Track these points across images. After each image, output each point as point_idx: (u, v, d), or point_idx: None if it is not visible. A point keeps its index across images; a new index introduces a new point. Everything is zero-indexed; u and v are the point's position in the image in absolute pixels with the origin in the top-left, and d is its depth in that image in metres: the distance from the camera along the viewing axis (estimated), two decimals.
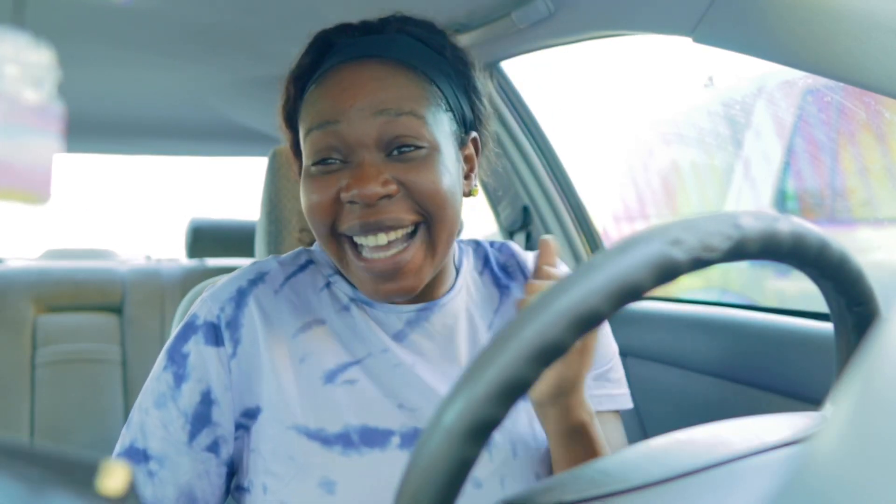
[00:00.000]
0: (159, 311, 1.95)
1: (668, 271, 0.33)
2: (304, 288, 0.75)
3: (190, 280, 1.97)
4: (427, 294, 0.74)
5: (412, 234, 0.67)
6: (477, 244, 0.84)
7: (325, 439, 0.66)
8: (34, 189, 0.38)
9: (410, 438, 0.67)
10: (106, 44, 1.28)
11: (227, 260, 2.11)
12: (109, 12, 1.12)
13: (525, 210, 1.58)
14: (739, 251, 0.35)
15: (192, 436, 0.67)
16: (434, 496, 0.31)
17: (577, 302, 0.31)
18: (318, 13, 1.12)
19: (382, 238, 0.65)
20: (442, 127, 0.68)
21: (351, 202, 0.65)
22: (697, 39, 0.84)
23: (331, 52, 0.71)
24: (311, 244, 0.86)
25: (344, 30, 0.72)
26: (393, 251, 0.65)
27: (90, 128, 1.96)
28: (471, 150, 0.75)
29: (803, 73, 1.02)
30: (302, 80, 0.72)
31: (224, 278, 0.75)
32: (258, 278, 0.74)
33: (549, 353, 0.31)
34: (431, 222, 0.66)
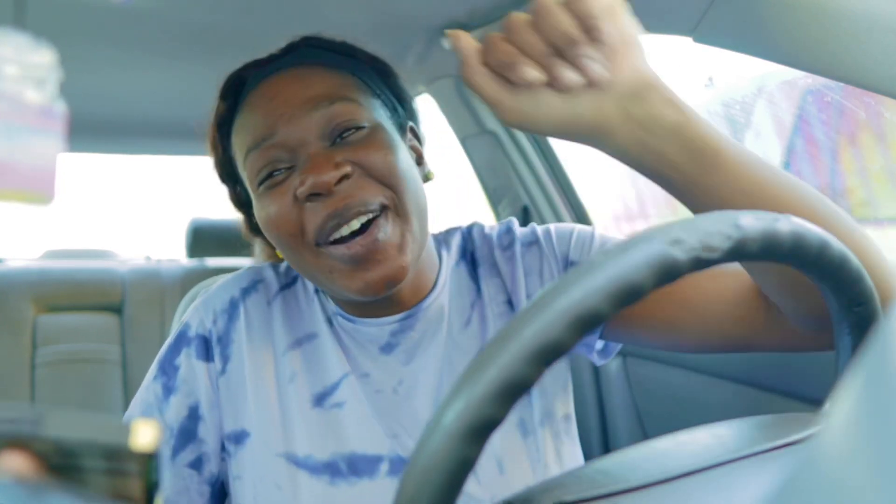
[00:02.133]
0: (159, 311, 1.95)
1: (669, 271, 0.33)
2: (297, 299, 0.73)
3: (190, 280, 1.97)
4: (410, 299, 0.71)
5: (381, 216, 0.63)
6: (454, 232, 0.80)
7: (312, 468, 0.64)
8: (39, 189, 0.38)
9: (397, 464, 0.65)
10: (105, 44, 1.28)
11: (227, 260, 2.11)
12: (108, 13, 1.12)
13: (525, 210, 1.58)
14: (740, 251, 0.35)
15: (175, 451, 0.66)
16: (433, 497, 0.31)
17: (577, 302, 0.31)
18: (319, 13, 1.12)
19: (355, 223, 0.62)
20: (377, 110, 0.68)
21: (311, 196, 0.61)
22: (697, 39, 0.84)
23: (243, 89, 0.70)
24: None
25: (253, 64, 0.71)
26: (367, 232, 0.62)
27: (90, 128, 1.97)
28: (413, 140, 0.74)
29: (803, 73, 1.02)
30: (225, 126, 0.71)
31: (219, 282, 0.74)
32: (252, 287, 0.72)
33: (549, 353, 0.31)
34: (398, 198, 0.64)
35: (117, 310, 1.95)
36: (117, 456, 0.32)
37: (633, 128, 0.48)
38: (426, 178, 0.73)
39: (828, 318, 0.53)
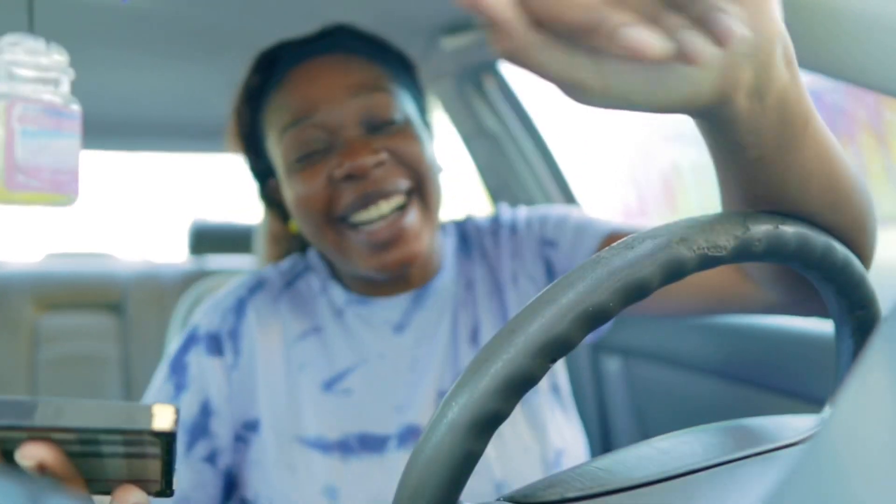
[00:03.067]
0: (159, 311, 1.95)
1: (676, 269, 0.33)
2: (301, 294, 0.75)
3: (190, 280, 1.97)
4: (419, 280, 0.74)
5: (407, 202, 0.68)
6: (453, 224, 0.84)
7: (324, 447, 0.66)
8: (62, 190, 0.38)
9: (406, 436, 0.67)
10: (106, 44, 1.28)
11: (228, 260, 2.11)
12: (109, 13, 1.12)
13: None
14: (746, 251, 0.35)
15: (189, 446, 0.67)
16: (437, 490, 0.31)
17: (584, 297, 0.31)
18: (319, 13, 1.12)
19: (384, 206, 0.66)
20: (408, 103, 0.71)
21: (347, 177, 0.65)
22: None
23: (277, 66, 0.72)
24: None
25: (285, 45, 0.74)
26: (392, 217, 0.66)
27: (90, 127, 1.96)
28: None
29: (803, 72, 1.02)
30: (254, 100, 0.74)
31: (225, 286, 0.77)
32: (257, 286, 0.74)
33: (556, 348, 0.31)
34: (423, 186, 0.68)
35: (117, 310, 1.95)
36: (137, 440, 0.32)
37: (750, 96, 0.34)
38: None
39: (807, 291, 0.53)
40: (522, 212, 0.81)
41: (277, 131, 0.69)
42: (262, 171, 0.77)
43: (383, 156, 0.65)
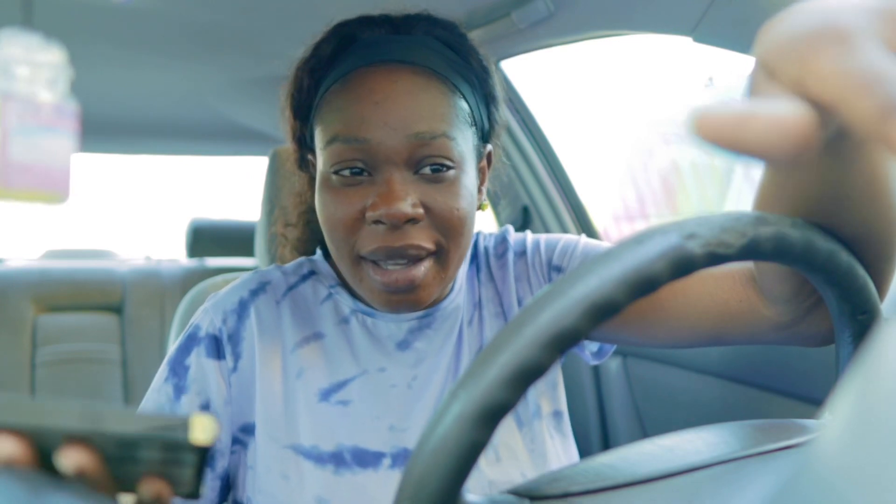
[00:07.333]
0: (159, 311, 1.95)
1: (684, 265, 0.33)
2: (305, 299, 0.74)
3: (190, 280, 1.97)
4: (430, 301, 0.72)
5: (425, 261, 0.65)
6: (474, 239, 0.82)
7: (318, 458, 0.66)
8: (53, 189, 0.38)
9: (399, 458, 0.67)
10: (106, 44, 1.28)
11: (227, 260, 2.11)
12: (109, 12, 1.12)
13: (525, 210, 1.58)
14: (753, 250, 0.35)
15: None
16: (441, 480, 0.31)
17: (593, 290, 0.31)
18: (320, 13, 1.12)
19: (401, 263, 0.64)
20: (467, 144, 0.67)
21: (376, 222, 0.63)
22: (697, 39, 0.85)
23: (353, 46, 0.68)
24: (298, 242, 0.86)
25: (367, 24, 0.68)
26: (408, 268, 0.64)
27: (90, 128, 1.96)
28: (484, 162, 0.74)
29: None
30: (319, 71, 0.69)
31: (226, 286, 0.75)
32: (260, 288, 0.73)
33: (564, 340, 0.31)
34: (449, 247, 0.66)
35: (117, 310, 1.95)
36: (175, 448, 0.33)
37: None
38: (480, 206, 0.74)
39: (809, 305, 0.53)
40: (529, 237, 0.80)
41: (328, 134, 0.65)
42: (302, 139, 0.74)
43: (420, 211, 0.63)
